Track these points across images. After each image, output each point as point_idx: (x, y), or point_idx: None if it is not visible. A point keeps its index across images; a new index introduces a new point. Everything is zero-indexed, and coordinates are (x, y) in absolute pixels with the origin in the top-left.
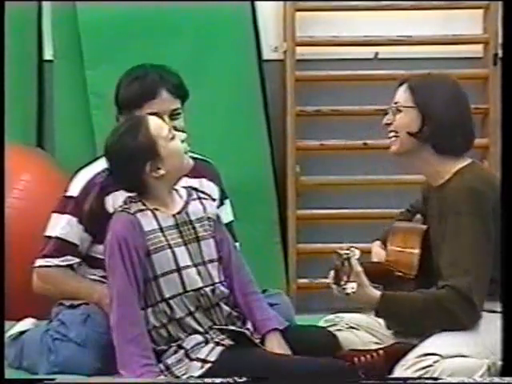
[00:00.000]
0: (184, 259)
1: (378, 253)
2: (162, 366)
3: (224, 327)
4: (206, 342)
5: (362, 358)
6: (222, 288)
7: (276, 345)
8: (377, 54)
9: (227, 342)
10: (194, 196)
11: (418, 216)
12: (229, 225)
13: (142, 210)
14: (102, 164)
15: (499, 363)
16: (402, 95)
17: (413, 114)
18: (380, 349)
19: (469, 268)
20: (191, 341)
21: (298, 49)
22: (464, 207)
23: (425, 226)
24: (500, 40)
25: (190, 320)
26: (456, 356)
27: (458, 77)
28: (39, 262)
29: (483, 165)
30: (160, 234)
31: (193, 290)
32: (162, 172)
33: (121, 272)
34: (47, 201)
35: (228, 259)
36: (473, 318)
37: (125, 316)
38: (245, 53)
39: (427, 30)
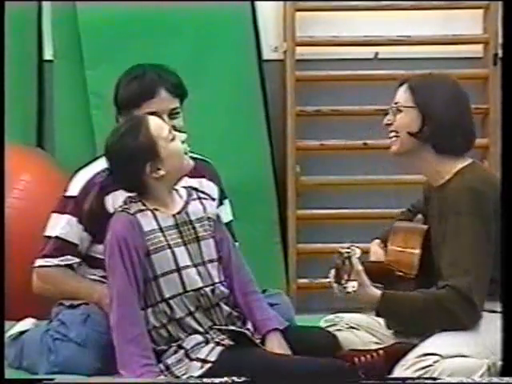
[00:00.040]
0: (184, 259)
1: (376, 252)
2: (161, 365)
3: (224, 327)
4: (206, 342)
5: (362, 358)
6: (222, 288)
7: (276, 345)
8: (377, 54)
9: (227, 342)
10: (194, 196)
11: (419, 216)
12: (228, 225)
13: (141, 210)
14: (101, 164)
15: (499, 363)
16: (403, 95)
17: (413, 114)
18: (380, 349)
19: (469, 268)
20: (191, 341)
21: (298, 49)
22: (464, 207)
23: (426, 226)
24: (500, 40)
25: (190, 320)
26: (456, 356)
27: (458, 77)
28: (39, 261)
29: (484, 165)
30: (160, 234)
31: (193, 290)
32: (162, 173)
33: (121, 272)
34: (47, 201)
35: (228, 259)
36: (473, 317)
37: (125, 316)
38: (245, 53)
39: (427, 30)
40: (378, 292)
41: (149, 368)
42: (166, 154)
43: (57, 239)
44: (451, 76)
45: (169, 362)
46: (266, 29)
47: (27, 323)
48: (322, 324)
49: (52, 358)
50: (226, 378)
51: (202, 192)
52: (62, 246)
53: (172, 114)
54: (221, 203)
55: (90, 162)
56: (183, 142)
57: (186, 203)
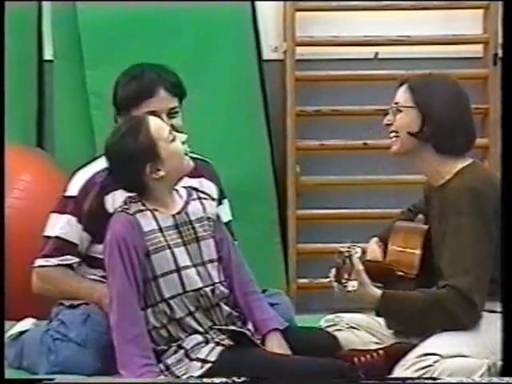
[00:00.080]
0: (183, 259)
1: (373, 249)
2: (161, 365)
3: (224, 327)
4: (206, 342)
5: (362, 358)
6: (222, 288)
7: (276, 345)
8: (377, 53)
9: (227, 342)
10: (194, 196)
11: (420, 216)
12: (227, 224)
13: (141, 211)
14: (100, 163)
15: (499, 363)
16: (402, 95)
17: (413, 114)
18: (380, 349)
19: (469, 268)
20: (191, 341)
21: (298, 49)
22: (465, 207)
23: (426, 226)
24: (500, 40)
25: (189, 320)
26: (456, 356)
27: (458, 77)
28: (39, 261)
29: (484, 165)
30: (159, 234)
31: (192, 291)
32: (161, 173)
33: (120, 272)
34: (47, 201)
35: (228, 259)
36: (473, 317)
37: (124, 316)
38: (245, 53)
39: (427, 30)
40: (379, 291)
41: (149, 368)
42: (166, 154)
43: (56, 239)
44: (451, 76)
45: (169, 361)
46: (266, 29)
47: (27, 323)
48: (322, 324)
49: (52, 357)
50: (226, 378)
51: (202, 192)
52: (61, 246)
53: (171, 114)
54: (220, 203)
55: (89, 162)
56: (184, 143)
57: (186, 203)
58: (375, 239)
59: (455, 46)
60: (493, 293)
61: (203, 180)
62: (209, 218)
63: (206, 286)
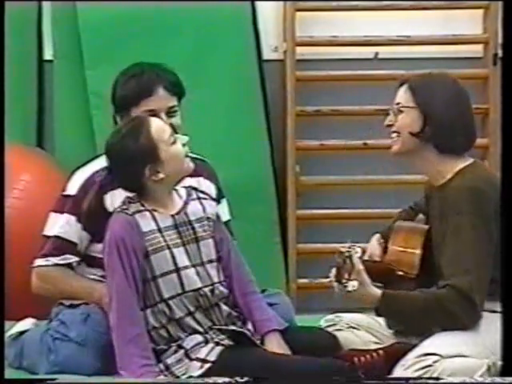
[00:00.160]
0: (183, 260)
1: (373, 246)
2: (161, 365)
3: (224, 327)
4: (206, 342)
5: (362, 358)
6: (222, 288)
7: (275, 345)
8: (377, 54)
9: (227, 341)
10: (194, 196)
11: (421, 216)
12: (226, 224)
13: (140, 211)
14: (100, 162)
15: (499, 363)
16: (403, 96)
17: (414, 114)
18: (380, 349)
19: (469, 268)
20: (191, 341)
21: (298, 49)
22: (465, 207)
23: (427, 226)
24: (500, 40)
25: (189, 320)
26: (456, 356)
27: (458, 77)
28: (38, 261)
29: (485, 165)
30: (158, 234)
31: (192, 291)
32: (161, 176)
33: (119, 273)
34: (47, 201)
35: (227, 259)
36: (473, 317)
37: (124, 316)
38: (245, 53)
39: (427, 30)
40: (379, 291)
41: (148, 368)
42: (166, 157)
43: (56, 238)
44: (451, 75)
45: (169, 361)
46: (266, 29)
47: (27, 323)
48: (322, 324)
49: (52, 357)
50: (228, 378)
51: (202, 192)
52: (61, 246)
53: (170, 113)
54: (218, 202)
55: (88, 161)
56: (184, 145)
57: (186, 203)
58: (377, 236)
59: (455, 46)
60: (493, 293)
61: (201, 179)
62: (208, 218)
63: (206, 286)
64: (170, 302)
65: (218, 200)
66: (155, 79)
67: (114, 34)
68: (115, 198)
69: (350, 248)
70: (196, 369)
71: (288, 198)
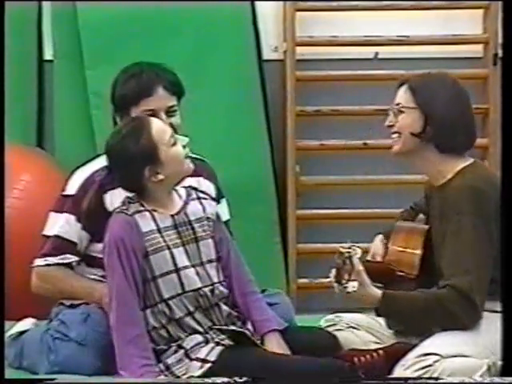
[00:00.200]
0: (182, 260)
1: (376, 247)
2: (161, 365)
3: (224, 327)
4: (206, 342)
5: (362, 358)
6: (221, 288)
7: (275, 345)
8: (377, 53)
9: (227, 341)
10: (194, 196)
11: (421, 216)
12: (225, 224)
13: (140, 211)
14: (99, 162)
15: (499, 363)
16: (403, 96)
17: (415, 114)
18: (380, 349)
19: (470, 268)
20: (191, 341)
21: (298, 49)
22: (465, 207)
23: (427, 226)
24: (500, 40)
25: (189, 320)
26: (456, 356)
27: (458, 77)
28: (38, 261)
29: (486, 165)
30: (158, 235)
31: (192, 291)
32: (160, 177)
33: (119, 273)
34: (47, 201)
35: (227, 259)
36: (473, 317)
37: (124, 317)
38: (245, 53)
39: (427, 30)
40: (379, 292)
41: (148, 368)
42: (166, 159)
43: (56, 238)
44: (451, 75)
45: (169, 361)
46: (266, 29)
47: (27, 323)
48: (322, 324)
49: (52, 357)
50: (227, 378)
51: (202, 192)
52: (60, 245)
53: (169, 112)
54: (218, 202)
55: (88, 161)
56: (185, 147)
57: (185, 203)
58: (380, 236)
59: (455, 46)
60: (493, 293)
61: (201, 179)
62: (208, 218)
63: (205, 286)
64: (170, 302)
65: (217, 200)
66: (155, 79)
67: (114, 34)
68: (115, 198)
69: (349, 248)
70: (196, 369)
71: (288, 198)
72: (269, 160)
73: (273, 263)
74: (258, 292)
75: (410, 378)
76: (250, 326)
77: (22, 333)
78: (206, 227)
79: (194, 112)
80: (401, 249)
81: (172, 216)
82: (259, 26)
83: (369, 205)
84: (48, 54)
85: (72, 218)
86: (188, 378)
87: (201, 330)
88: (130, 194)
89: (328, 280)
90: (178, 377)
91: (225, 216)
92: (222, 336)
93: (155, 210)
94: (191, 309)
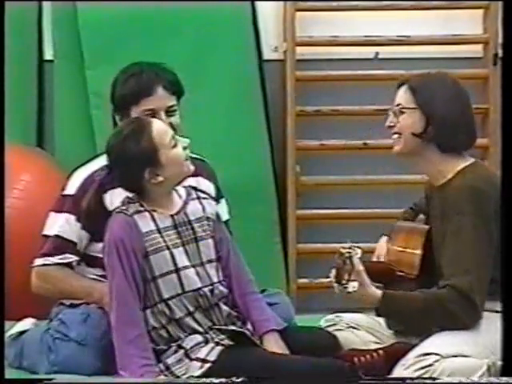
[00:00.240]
0: (182, 260)
1: (381, 247)
2: (161, 365)
3: (224, 327)
4: (206, 342)
5: (362, 358)
6: (221, 288)
7: (274, 345)
8: (377, 53)
9: (227, 341)
10: (194, 196)
11: (421, 216)
12: (225, 223)
13: (139, 211)
14: (99, 162)
15: (499, 363)
16: (403, 96)
17: (416, 115)
18: (380, 349)
19: (470, 268)
20: (191, 341)
21: (298, 49)
22: (465, 207)
23: (427, 227)
24: (500, 40)
25: (189, 320)
26: (456, 356)
27: (458, 77)
28: (38, 261)
29: (486, 165)
30: (158, 235)
31: (191, 291)
32: (160, 179)
33: (119, 274)
34: (47, 201)
35: (227, 259)
36: (473, 317)
37: (124, 317)
38: (245, 53)
39: (427, 30)
40: (379, 292)
41: (149, 368)
42: (166, 161)
43: (55, 238)
44: (451, 75)
45: (169, 361)
46: (266, 29)
47: (27, 323)
48: (322, 324)
49: (52, 357)
50: (225, 379)
51: (202, 191)
52: (60, 245)
53: (169, 112)
54: (217, 202)
55: (87, 161)
56: (185, 148)
57: (185, 203)
58: (385, 238)
59: (455, 46)
60: (493, 293)
61: (200, 179)
62: (208, 217)
63: (205, 286)
64: (170, 303)
65: (217, 200)
66: (154, 79)
67: (114, 34)
68: (115, 197)
69: (349, 249)
70: (196, 369)
71: (288, 197)
72: (269, 160)
73: (273, 263)
74: (258, 292)
75: (409, 378)
76: (249, 326)
77: (21, 333)
78: (205, 227)
79: (194, 112)
80: (401, 249)
81: (172, 216)
82: (259, 26)
83: (369, 205)
84: (48, 54)
85: (72, 217)
86: (188, 377)
87: (201, 330)
88: (130, 194)
89: (328, 280)
90: (178, 377)
91: (224, 216)
92: (222, 336)
93: (155, 210)
94: (191, 309)
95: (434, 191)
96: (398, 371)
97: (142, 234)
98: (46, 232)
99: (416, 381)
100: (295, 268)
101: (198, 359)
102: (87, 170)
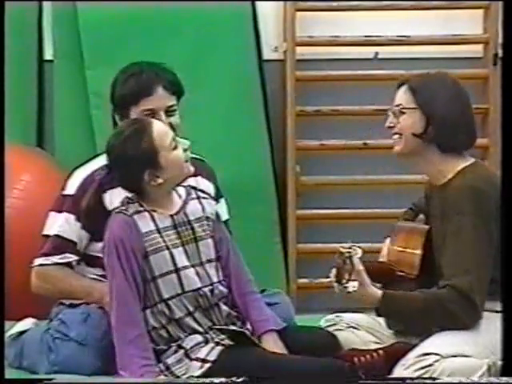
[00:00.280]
0: (182, 260)
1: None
2: (161, 365)
3: (224, 327)
4: (206, 342)
5: (362, 358)
6: (221, 287)
7: (272, 345)
8: (377, 53)
9: (227, 341)
10: (193, 195)
11: (421, 216)
12: (225, 223)
13: (139, 212)
14: (98, 162)
15: (499, 363)
16: (403, 96)
17: (416, 115)
18: (380, 349)
19: (470, 268)
20: (191, 341)
21: (298, 49)
22: (466, 207)
23: (427, 227)
24: (500, 40)
25: (189, 320)
26: (456, 356)
27: (458, 77)
28: (38, 260)
29: (486, 165)
30: (157, 235)
31: (191, 291)
32: (160, 181)
33: (119, 274)
34: (47, 201)
35: (227, 259)
36: (473, 317)
37: (124, 317)
38: (245, 53)
39: (427, 30)
40: (379, 292)
41: (149, 368)
42: (166, 163)
43: (55, 237)
44: (450, 75)
45: (169, 361)
46: (266, 29)
47: (27, 323)
48: (322, 324)
49: (52, 357)
50: (225, 379)
51: (201, 191)
52: (60, 244)
53: (169, 112)
54: (217, 202)
55: (87, 161)
56: (186, 150)
57: (185, 203)
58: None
59: (455, 45)
60: (493, 293)
61: (200, 179)
62: (208, 217)
63: (205, 286)
64: (170, 303)
65: (216, 199)
66: (154, 78)
67: (113, 34)
68: (114, 197)
69: (350, 248)
70: (196, 369)
71: (288, 198)
72: (269, 160)
73: (273, 263)
74: (257, 292)
75: (409, 378)
76: (249, 326)
77: (21, 333)
78: (205, 227)
79: (194, 112)
80: (401, 249)
81: (171, 216)
82: (259, 26)
83: (369, 205)
84: (48, 54)
85: (71, 217)
86: (188, 378)
87: (201, 330)
88: (130, 194)
89: (328, 280)
90: (178, 377)
91: (224, 215)
92: (222, 336)
93: (154, 211)
94: (191, 309)
95: (434, 191)
96: (398, 371)
97: (141, 234)
98: (45, 232)
99: (416, 381)
100: (295, 268)
101: (197, 359)
102: (87, 170)
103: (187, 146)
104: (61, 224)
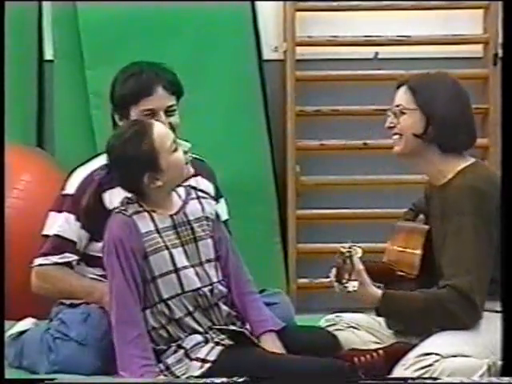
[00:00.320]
0: (181, 260)
1: None
2: (161, 365)
3: (224, 327)
4: (206, 342)
5: (362, 358)
6: (221, 287)
7: (271, 346)
8: (377, 53)
9: (227, 341)
10: (193, 195)
11: (421, 216)
12: (224, 223)
13: (138, 212)
14: (98, 162)
15: (499, 363)
16: (403, 96)
17: (416, 115)
18: (380, 349)
19: (470, 268)
20: (191, 341)
21: (298, 49)
22: (466, 207)
23: (427, 227)
24: (500, 40)
25: (189, 320)
26: (456, 356)
27: (458, 77)
28: (37, 260)
29: (487, 165)
30: (157, 235)
31: (191, 291)
32: (159, 183)
33: (118, 274)
34: (47, 201)
35: (226, 258)
36: (473, 317)
37: (124, 318)
38: (245, 53)
39: (427, 30)
40: (379, 292)
41: (149, 368)
42: (166, 166)
43: (55, 237)
44: (450, 75)
45: (169, 361)
46: (266, 29)
47: (27, 323)
48: (322, 324)
49: (52, 357)
50: (226, 378)
51: (201, 191)
52: (60, 244)
53: (169, 112)
54: (217, 202)
55: (87, 161)
56: (186, 153)
57: (184, 203)
58: None
59: (455, 46)
60: (493, 293)
61: (199, 179)
62: (207, 217)
63: (205, 286)
64: (170, 303)
65: (216, 199)
66: (154, 78)
67: (113, 34)
68: (114, 197)
69: (350, 248)
70: (196, 369)
71: (288, 197)
72: (269, 160)
73: (273, 263)
74: (256, 292)
75: (409, 378)
76: (248, 326)
77: (21, 333)
78: (205, 227)
79: (194, 112)
80: (401, 249)
81: (171, 216)
82: (259, 26)
83: (369, 205)
84: (48, 54)
85: (71, 217)
86: (188, 378)
87: (200, 329)
88: (129, 194)
89: (328, 279)
90: (178, 377)
91: (224, 215)
92: (222, 336)
93: (154, 211)
94: (191, 309)
95: (434, 191)
96: (398, 371)
97: (141, 234)
98: (45, 232)
99: (416, 381)
100: (295, 268)
101: (197, 359)
102: (86, 170)
103: (187, 148)
104: (60, 224)
